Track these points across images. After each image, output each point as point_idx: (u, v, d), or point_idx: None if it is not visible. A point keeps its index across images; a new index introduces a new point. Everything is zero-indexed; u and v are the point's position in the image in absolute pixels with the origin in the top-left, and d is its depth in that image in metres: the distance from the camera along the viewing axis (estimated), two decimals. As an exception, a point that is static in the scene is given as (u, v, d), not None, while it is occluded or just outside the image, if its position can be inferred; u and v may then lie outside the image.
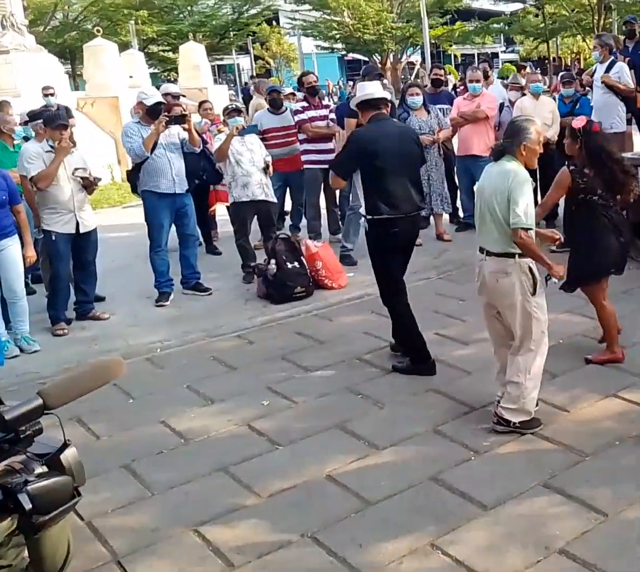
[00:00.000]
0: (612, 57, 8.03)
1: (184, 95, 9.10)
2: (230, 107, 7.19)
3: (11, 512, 1.85)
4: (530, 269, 3.81)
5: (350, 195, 7.37)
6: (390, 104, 5.23)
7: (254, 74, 37.89)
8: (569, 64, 37.45)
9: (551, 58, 34.79)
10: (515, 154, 3.85)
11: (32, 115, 7.34)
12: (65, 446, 1.94)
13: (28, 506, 1.78)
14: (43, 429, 1.87)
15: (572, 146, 4.64)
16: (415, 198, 4.72)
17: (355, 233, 7.17)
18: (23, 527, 1.90)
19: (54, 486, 1.84)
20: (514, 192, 3.72)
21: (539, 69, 19.40)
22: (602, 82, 7.85)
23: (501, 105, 8.14)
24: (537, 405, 3.95)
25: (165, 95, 7.70)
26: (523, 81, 8.63)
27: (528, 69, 13.66)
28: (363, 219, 4.81)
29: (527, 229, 3.72)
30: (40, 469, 1.89)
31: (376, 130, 4.64)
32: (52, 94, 10.06)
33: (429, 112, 7.58)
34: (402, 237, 4.72)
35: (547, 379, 4.43)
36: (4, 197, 5.34)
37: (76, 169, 5.79)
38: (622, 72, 7.86)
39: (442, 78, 8.75)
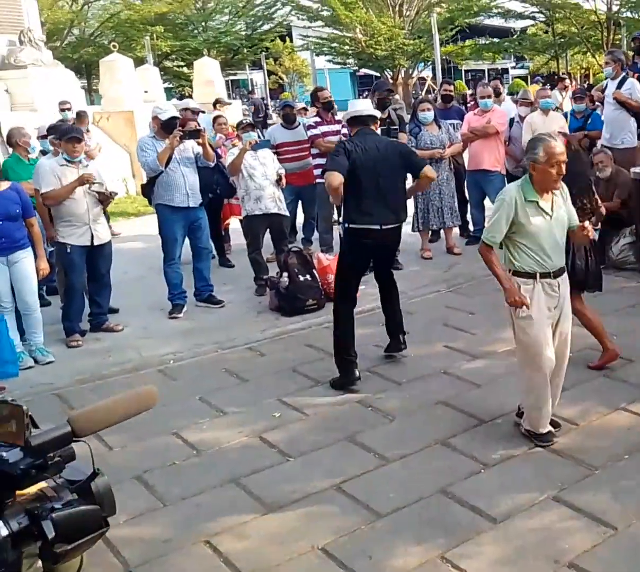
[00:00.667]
0: (624, 73, 8.06)
1: (203, 111, 9.21)
2: (244, 121, 7.28)
3: (36, 539, 1.81)
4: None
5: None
6: (378, 121, 5.41)
7: (268, 89, 38.26)
8: (579, 79, 37.48)
9: (560, 74, 34.85)
10: (529, 172, 3.77)
11: (50, 129, 7.47)
12: (94, 474, 1.91)
13: (51, 534, 1.75)
14: (75, 455, 1.85)
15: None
16: (391, 211, 4.82)
17: None
18: (44, 555, 1.85)
19: (80, 514, 1.80)
20: (493, 207, 3.89)
21: (548, 84, 19.41)
22: (614, 98, 7.88)
23: (511, 121, 8.20)
24: (548, 425, 3.91)
25: (184, 110, 7.79)
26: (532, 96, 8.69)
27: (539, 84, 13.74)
28: (340, 226, 4.98)
29: (486, 245, 3.80)
30: (70, 497, 1.86)
31: (358, 143, 4.81)
32: (68, 109, 10.19)
33: (440, 127, 7.64)
34: (372, 248, 4.88)
35: (557, 393, 4.47)
36: (18, 211, 5.41)
37: (92, 184, 5.86)
38: (634, 88, 7.89)
39: (452, 94, 8.83)
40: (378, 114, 5.32)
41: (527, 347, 3.84)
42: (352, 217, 4.81)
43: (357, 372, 4.84)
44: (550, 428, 3.91)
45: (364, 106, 5.11)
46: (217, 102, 10.55)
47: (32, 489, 1.88)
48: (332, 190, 4.66)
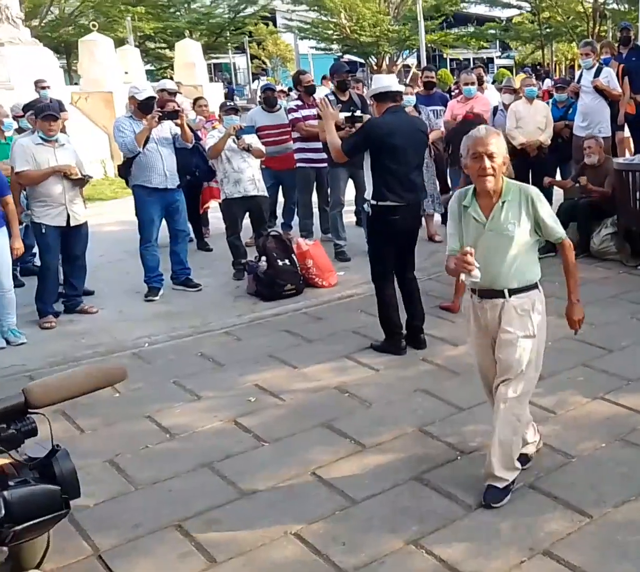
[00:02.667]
0: (597, 63, 8.14)
1: (180, 92, 9.07)
2: (227, 104, 7.17)
3: None
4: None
5: (329, 194, 7.51)
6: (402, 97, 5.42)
7: (251, 73, 37.98)
8: (564, 70, 37.59)
9: (545, 64, 34.94)
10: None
11: (25, 107, 7.32)
12: (54, 451, 1.80)
13: (0, 513, 1.64)
14: (37, 430, 1.73)
15: None
16: (418, 189, 5.00)
17: (342, 229, 7.44)
18: None
19: (36, 494, 1.69)
20: None
21: (533, 74, 19.42)
22: (594, 87, 7.91)
23: (495, 109, 8.16)
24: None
25: (161, 91, 7.68)
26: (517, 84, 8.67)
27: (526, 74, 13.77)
28: (366, 203, 4.94)
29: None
30: (30, 475, 1.75)
31: (391, 122, 4.84)
32: (46, 87, 9.99)
33: (420, 113, 7.58)
34: (401, 225, 4.92)
35: (535, 381, 4.46)
36: None
37: (70, 175, 5.75)
38: (611, 77, 8.02)
39: (434, 80, 8.77)
40: (403, 88, 5.39)
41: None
42: (380, 194, 4.84)
43: (403, 343, 5.03)
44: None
45: (390, 82, 5.02)
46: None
47: None
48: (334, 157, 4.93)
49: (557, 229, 3.30)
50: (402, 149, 4.79)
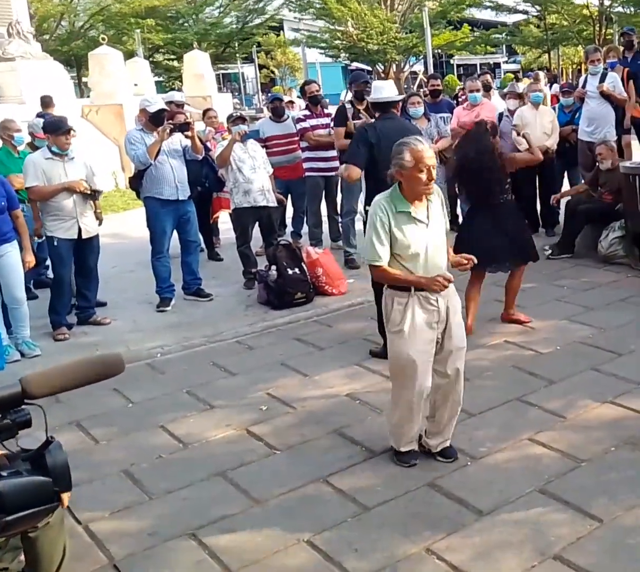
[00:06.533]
0: (602, 69, 8.17)
1: (187, 104, 9.17)
2: (234, 114, 7.25)
3: None
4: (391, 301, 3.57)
5: (341, 202, 7.52)
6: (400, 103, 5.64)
7: (260, 83, 38.16)
8: (570, 74, 37.54)
9: (551, 69, 34.88)
10: (397, 180, 3.51)
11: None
12: (48, 442, 1.77)
13: None
14: (31, 422, 1.73)
15: None
16: None
17: (353, 237, 7.42)
18: None
19: (27, 485, 1.68)
20: (367, 224, 3.60)
21: (545, 77, 19.42)
22: (601, 92, 7.93)
23: (500, 115, 8.19)
24: (411, 444, 3.74)
25: (168, 103, 7.76)
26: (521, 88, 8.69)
27: (530, 79, 13.78)
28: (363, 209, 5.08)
29: (375, 266, 3.51)
30: (22, 466, 1.74)
31: (381, 126, 4.92)
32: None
33: (429, 120, 7.63)
34: None
35: (544, 385, 4.47)
36: (3, 203, 5.36)
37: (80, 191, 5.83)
38: (616, 82, 8.05)
39: (440, 88, 8.80)
40: (401, 97, 5.56)
41: (396, 362, 3.60)
42: (370, 200, 4.83)
43: None
44: (412, 447, 3.73)
45: (390, 91, 5.18)
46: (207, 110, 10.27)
47: None
48: (351, 182, 4.89)
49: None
50: (387, 152, 4.75)
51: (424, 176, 3.40)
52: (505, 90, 8.05)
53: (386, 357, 4.82)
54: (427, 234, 3.50)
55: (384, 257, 3.48)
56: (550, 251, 7.25)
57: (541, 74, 15.72)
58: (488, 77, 10.67)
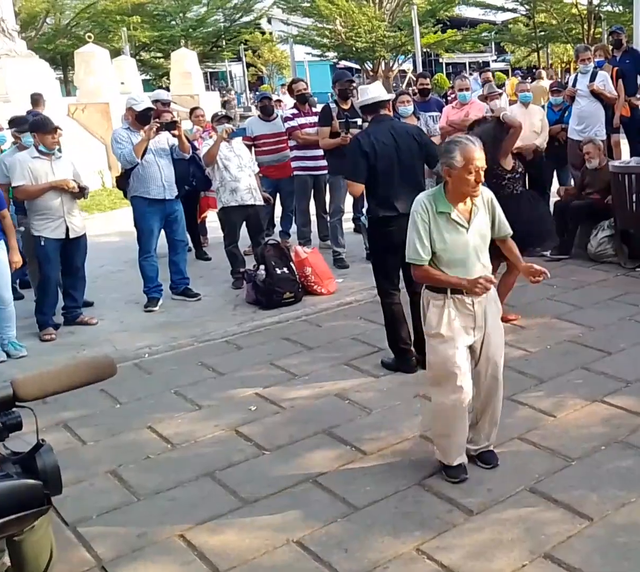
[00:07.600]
0: (592, 68, 8.21)
1: (174, 102, 9.12)
2: (219, 114, 7.22)
3: None
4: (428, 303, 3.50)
5: (329, 203, 7.52)
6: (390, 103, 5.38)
7: (247, 81, 38.07)
8: (559, 72, 37.66)
9: (540, 67, 35.03)
10: (444, 179, 3.41)
11: (11, 123, 7.25)
12: (39, 445, 1.74)
13: None
14: (22, 425, 1.72)
15: None
16: (408, 198, 4.75)
17: (341, 237, 7.44)
18: None
19: (15, 488, 1.66)
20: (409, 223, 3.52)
21: (529, 78, 19.52)
22: (591, 91, 7.96)
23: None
24: (461, 457, 3.57)
25: (155, 102, 7.71)
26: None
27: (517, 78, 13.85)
28: (364, 217, 4.95)
29: (417, 265, 3.45)
30: (12, 469, 1.72)
31: (373, 133, 4.78)
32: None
33: (418, 119, 7.62)
34: (398, 236, 4.69)
35: (534, 384, 4.48)
36: None
37: (69, 188, 5.79)
38: (607, 81, 8.09)
39: (429, 87, 8.79)
40: (391, 96, 5.36)
41: (434, 369, 3.49)
42: (373, 208, 4.82)
43: (414, 360, 4.80)
44: (462, 461, 3.56)
45: (378, 92, 4.90)
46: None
47: None
48: (356, 197, 4.85)
49: (508, 226, 3.62)
50: (384, 158, 4.68)
51: (472, 178, 3.28)
52: (485, 92, 7.89)
53: (396, 369, 4.81)
54: (465, 238, 3.38)
55: (425, 257, 3.40)
56: (548, 252, 7.25)
57: (543, 73, 15.86)
58: (489, 75, 10.73)
